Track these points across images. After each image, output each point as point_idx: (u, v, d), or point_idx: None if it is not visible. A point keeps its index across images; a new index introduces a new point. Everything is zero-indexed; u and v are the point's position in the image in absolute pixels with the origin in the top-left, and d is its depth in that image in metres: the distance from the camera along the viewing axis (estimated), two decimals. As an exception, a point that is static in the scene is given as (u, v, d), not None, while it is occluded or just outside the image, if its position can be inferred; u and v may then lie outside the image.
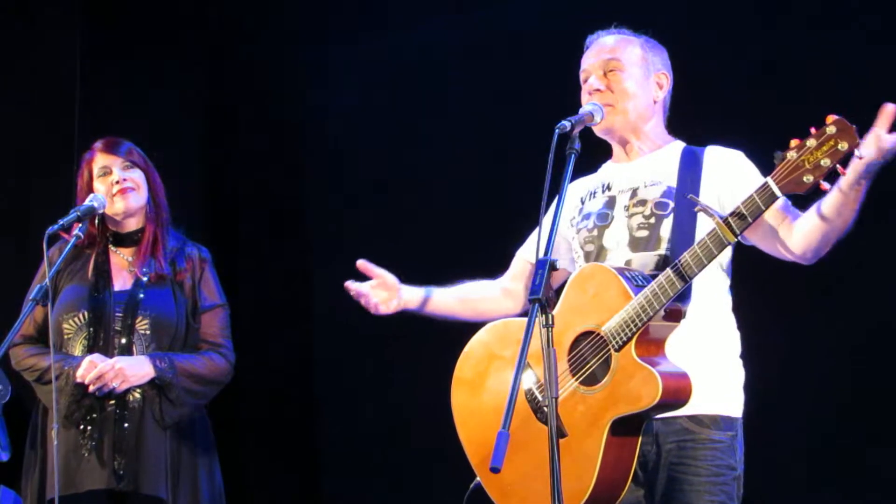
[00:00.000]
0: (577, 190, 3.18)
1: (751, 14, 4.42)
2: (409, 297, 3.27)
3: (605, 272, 2.82)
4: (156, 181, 3.88)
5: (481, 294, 3.35)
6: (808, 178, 2.50)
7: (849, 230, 2.71)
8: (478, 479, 3.01)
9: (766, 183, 2.58)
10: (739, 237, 2.67)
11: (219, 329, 3.82)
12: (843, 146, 2.46)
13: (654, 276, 2.77)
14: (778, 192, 2.56)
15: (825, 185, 2.52)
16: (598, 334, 2.78)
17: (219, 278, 3.89)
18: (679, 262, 2.69)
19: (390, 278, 3.27)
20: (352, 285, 3.25)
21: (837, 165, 2.48)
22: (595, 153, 3.16)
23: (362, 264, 3.25)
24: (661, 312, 2.71)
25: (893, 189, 2.99)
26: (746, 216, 2.61)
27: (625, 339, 2.72)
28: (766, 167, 2.88)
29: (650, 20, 3.23)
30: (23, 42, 5.30)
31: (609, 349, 2.76)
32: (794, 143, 2.53)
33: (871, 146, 2.52)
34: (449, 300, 3.31)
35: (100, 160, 3.82)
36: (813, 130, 2.50)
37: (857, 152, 2.48)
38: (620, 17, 3.18)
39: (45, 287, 3.38)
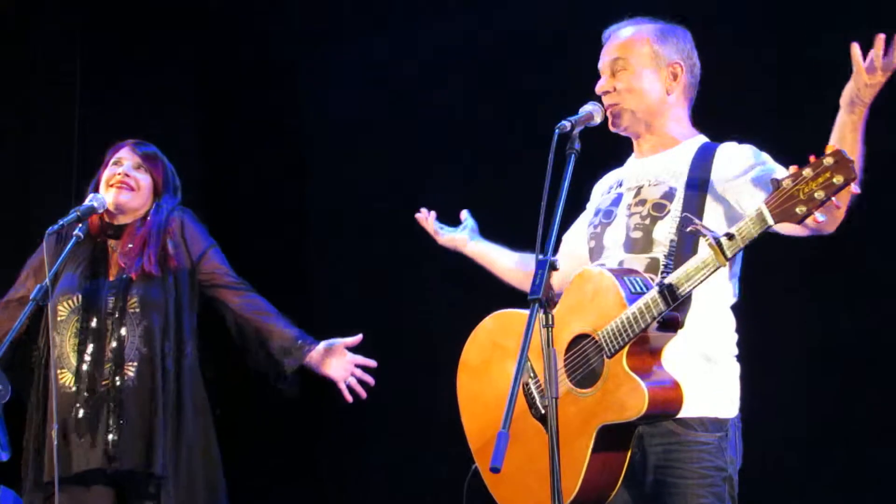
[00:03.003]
0: (601, 187, 3.20)
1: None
2: (472, 249, 3.56)
3: (604, 276, 2.81)
4: (164, 179, 3.92)
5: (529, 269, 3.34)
6: (801, 210, 2.48)
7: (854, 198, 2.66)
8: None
9: (759, 209, 2.55)
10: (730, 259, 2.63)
11: (222, 267, 3.89)
12: (839, 180, 2.43)
13: (651, 281, 2.78)
14: (770, 220, 2.53)
15: (818, 217, 2.49)
16: (594, 338, 2.78)
17: (201, 225, 3.94)
18: (670, 278, 2.67)
19: (469, 233, 3.59)
20: (424, 218, 3.67)
21: (832, 198, 2.45)
22: (616, 147, 3.17)
23: (464, 216, 3.64)
24: (655, 324, 2.70)
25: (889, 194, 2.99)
26: (738, 241, 2.59)
27: (617, 346, 2.72)
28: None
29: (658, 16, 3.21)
30: (23, 41, 5.30)
31: (603, 354, 2.75)
32: (792, 169, 2.50)
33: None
34: (504, 260, 3.47)
35: (121, 153, 3.91)
36: (811, 159, 2.47)
37: (853, 187, 2.47)
38: (620, 16, 3.17)
39: (44, 287, 3.39)
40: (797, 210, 2.48)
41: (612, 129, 3.06)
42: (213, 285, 3.86)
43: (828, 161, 2.44)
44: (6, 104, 5.23)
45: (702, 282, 2.65)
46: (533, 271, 3.22)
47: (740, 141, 2.98)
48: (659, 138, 3.05)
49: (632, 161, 3.14)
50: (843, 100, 2.64)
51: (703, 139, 3.05)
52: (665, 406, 2.71)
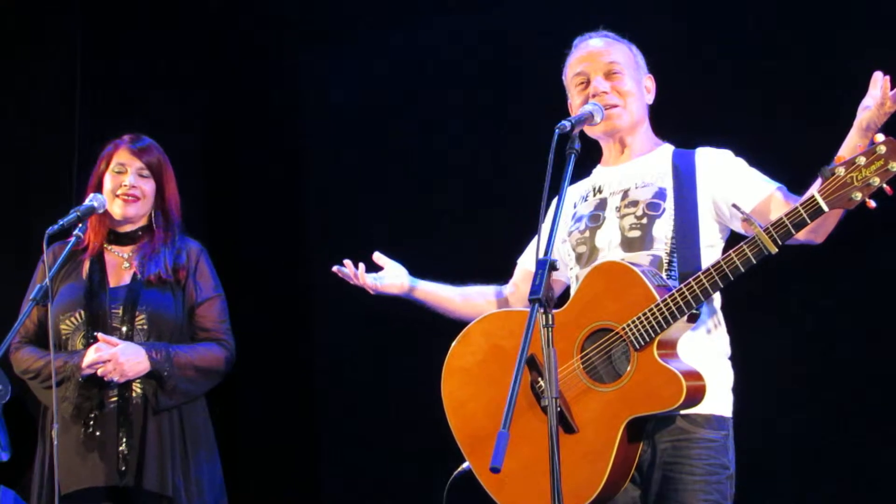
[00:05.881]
0: (570, 197, 3.19)
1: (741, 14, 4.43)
2: (420, 291, 3.41)
3: (625, 269, 2.82)
4: (169, 190, 3.87)
5: (485, 298, 3.40)
6: (857, 196, 2.57)
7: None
8: (464, 465, 3.02)
9: (812, 197, 2.62)
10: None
11: (217, 319, 3.83)
12: (894, 166, 2.53)
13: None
14: (825, 207, 2.60)
15: (871, 202, 2.57)
16: (616, 332, 2.79)
17: (214, 268, 3.90)
18: (713, 268, 2.70)
19: (401, 272, 3.43)
20: (344, 272, 3.40)
21: (884, 185, 2.54)
22: (584, 158, 3.18)
23: (377, 257, 3.42)
24: (687, 315, 2.73)
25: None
26: (790, 228, 2.64)
27: (647, 339, 2.73)
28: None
29: (649, 21, 3.24)
30: (23, 43, 5.30)
31: (626, 348, 2.77)
32: (839, 159, 2.59)
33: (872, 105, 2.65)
34: (452, 296, 3.39)
35: (120, 156, 3.83)
36: (860, 148, 2.58)
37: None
38: (617, 16, 3.19)
39: (44, 287, 3.38)
40: (853, 196, 2.57)
41: (603, 130, 3.08)
42: (200, 328, 3.83)
43: (880, 149, 2.54)
44: (6, 105, 5.24)
45: (747, 269, 2.68)
46: (480, 302, 3.35)
47: (715, 146, 3.05)
48: (638, 145, 3.13)
49: (604, 169, 3.18)
50: (860, 124, 2.70)
51: (671, 147, 3.13)
52: (695, 395, 2.74)
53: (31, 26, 5.32)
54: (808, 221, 2.63)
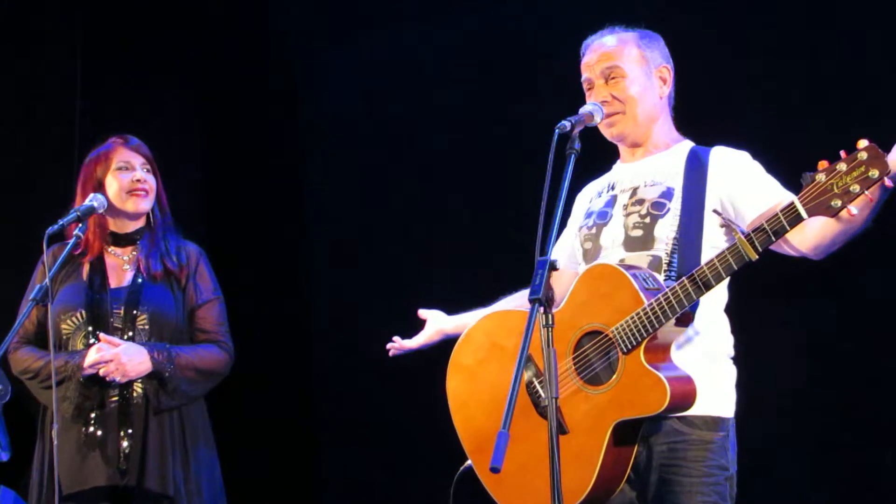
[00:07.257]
0: (588, 193, 3.20)
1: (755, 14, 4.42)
2: (452, 327, 3.33)
3: (616, 272, 2.81)
4: (160, 186, 3.90)
5: (517, 305, 3.34)
6: (836, 203, 2.49)
7: (864, 229, 2.69)
8: (467, 463, 3.03)
9: (792, 203, 2.56)
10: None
11: (216, 321, 3.85)
12: (874, 173, 2.45)
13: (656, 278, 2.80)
14: (804, 214, 2.55)
15: (852, 210, 2.50)
16: (606, 335, 2.78)
17: (213, 270, 3.90)
18: (696, 273, 2.68)
19: (438, 318, 3.36)
20: (395, 347, 3.39)
21: (866, 192, 2.47)
22: (606, 153, 3.16)
23: (422, 313, 3.37)
24: (673, 319, 2.72)
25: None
26: (770, 234, 2.60)
27: (634, 343, 2.72)
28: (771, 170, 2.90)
29: (653, 20, 3.22)
30: (23, 43, 5.29)
31: (616, 351, 2.76)
32: (822, 164, 2.51)
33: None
34: None
35: (122, 154, 3.83)
36: (843, 154, 2.49)
37: (886, 180, 2.48)
38: (620, 15, 3.17)
39: (45, 287, 3.38)
40: (832, 203, 2.50)
41: (610, 137, 3.08)
42: (199, 330, 3.83)
43: (862, 155, 2.46)
44: (6, 105, 5.23)
45: (729, 275, 2.66)
46: (517, 305, 3.25)
47: (735, 146, 3.01)
48: (654, 143, 3.08)
49: (620, 166, 3.16)
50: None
51: (690, 143, 3.08)
52: (683, 400, 2.73)
53: (31, 26, 5.32)
54: (788, 228, 2.58)
